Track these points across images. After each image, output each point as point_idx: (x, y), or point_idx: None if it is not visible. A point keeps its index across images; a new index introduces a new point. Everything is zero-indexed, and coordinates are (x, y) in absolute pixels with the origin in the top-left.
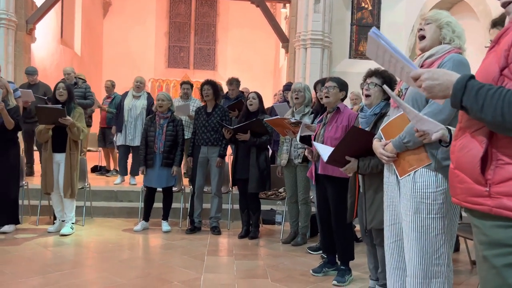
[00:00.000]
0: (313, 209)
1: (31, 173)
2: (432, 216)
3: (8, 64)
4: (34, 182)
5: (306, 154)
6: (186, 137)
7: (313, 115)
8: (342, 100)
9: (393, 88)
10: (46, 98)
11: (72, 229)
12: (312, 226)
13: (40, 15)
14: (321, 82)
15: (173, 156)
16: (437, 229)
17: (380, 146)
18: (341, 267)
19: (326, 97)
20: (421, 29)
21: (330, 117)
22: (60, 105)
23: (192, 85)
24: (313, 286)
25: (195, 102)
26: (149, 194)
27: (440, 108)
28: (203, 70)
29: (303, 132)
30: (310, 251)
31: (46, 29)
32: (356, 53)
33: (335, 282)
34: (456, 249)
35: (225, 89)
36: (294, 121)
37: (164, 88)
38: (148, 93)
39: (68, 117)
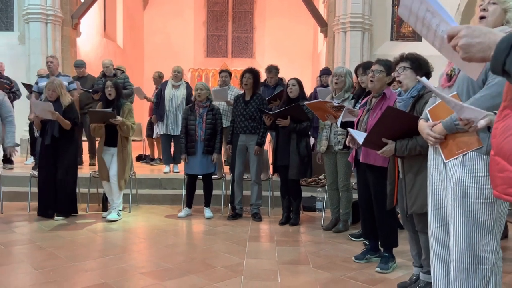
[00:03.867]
0: (355, 196)
1: (80, 162)
2: (481, 201)
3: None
4: (83, 171)
5: (347, 143)
6: (224, 126)
7: (353, 100)
8: (389, 85)
9: (429, 69)
10: (91, 91)
11: (119, 215)
12: (353, 213)
13: (84, 9)
14: (362, 66)
15: (213, 144)
16: (486, 214)
17: (427, 127)
18: (384, 254)
19: (371, 81)
20: (484, 9)
21: (375, 103)
22: (111, 108)
23: (230, 73)
24: (356, 273)
25: (233, 90)
26: (191, 181)
27: (499, 91)
28: (241, 58)
29: (345, 118)
30: (352, 238)
31: (90, 23)
32: (398, 35)
33: (378, 269)
34: (505, 236)
35: (264, 76)
36: (337, 104)
37: (204, 78)
38: (187, 83)
39: (118, 118)
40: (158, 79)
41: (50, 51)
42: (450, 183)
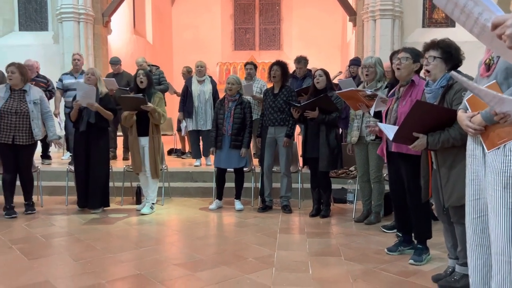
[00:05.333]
0: (387, 187)
1: (114, 157)
2: None
3: (88, 56)
4: (118, 165)
5: (368, 130)
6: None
7: (387, 89)
8: (417, 72)
9: (460, 58)
10: (128, 89)
11: (152, 208)
12: (386, 205)
13: (114, 7)
14: (397, 53)
15: (241, 138)
16: None
17: (466, 118)
18: (418, 246)
19: (398, 68)
20: None
21: (403, 91)
22: (141, 94)
23: (255, 66)
24: (388, 265)
25: (259, 82)
26: (220, 174)
27: None
28: (269, 51)
29: (378, 107)
30: (384, 230)
31: (120, 20)
32: (430, 21)
33: (411, 261)
34: None
35: (292, 68)
36: (370, 93)
37: (232, 71)
38: (210, 77)
39: (149, 104)
40: (187, 74)
41: (82, 50)
42: (490, 173)
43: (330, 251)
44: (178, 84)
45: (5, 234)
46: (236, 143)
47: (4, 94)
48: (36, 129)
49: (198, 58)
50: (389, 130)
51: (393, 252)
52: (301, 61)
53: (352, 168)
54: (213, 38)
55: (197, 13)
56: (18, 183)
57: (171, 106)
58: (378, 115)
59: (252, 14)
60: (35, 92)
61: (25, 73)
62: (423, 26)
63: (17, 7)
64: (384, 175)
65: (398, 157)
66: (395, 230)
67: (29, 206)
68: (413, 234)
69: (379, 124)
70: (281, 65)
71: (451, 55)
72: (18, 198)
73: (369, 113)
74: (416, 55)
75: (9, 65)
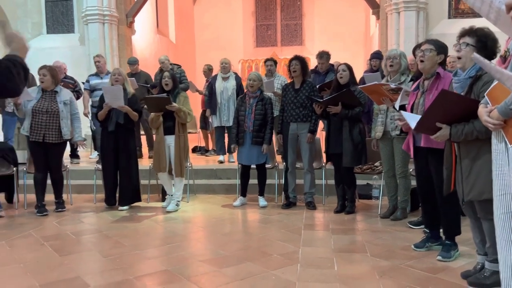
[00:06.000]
0: (413, 183)
1: (140, 155)
2: None
3: (113, 56)
4: (144, 163)
5: (399, 124)
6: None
7: (411, 82)
8: (441, 64)
9: (495, 50)
10: (149, 86)
11: (178, 205)
12: (412, 200)
13: (137, 8)
14: (420, 46)
15: (262, 135)
16: None
17: (486, 112)
18: (446, 242)
19: (421, 61)
20: None
21: (429, 84)
22: (165, 94)
23: (275, 62)
24: (416, 261)
25: (280, 78)
26: (244, 171)
27: None
28: (291, 46)
29: (403, 101)
30: (411, 226)
31: (144, 21)
32: (457, 12)
33: (439, 257)
34: None
35: (314, 63)
36: (394, 87)
37: (254, 68)
38: (236, 73)
39: (174, 104)
40: (208, 72)
41: (107, 50)
42: None
43: (355, 248)
44: (201, 82)
45: (37, 231)
46: (257, 139)
47: (36, 94)
48: (65, 128)
49: (220, 56)
50: (412, 119)
51: (420, 248)
52: (323, 56)
53: (377, 164)
54: (235, 36)
55: (218, 11)
56: (48, 182)
57: (194, 104)
58: (402, 109)
59: (274, 10)
60: (65, 93)
61: (55, 75)
62: (449, 17)
63: (45, 10)
64: (410, 170)
65: (427, 151)
66: (422, 226)
67: (59, 204)
68: (441, 230)
69: (402, 112)
70: (300, 60)
71: (485, 45)
72: (48, 197)
73: (393, 107)
74: (440, 47)
75: (41, 68)
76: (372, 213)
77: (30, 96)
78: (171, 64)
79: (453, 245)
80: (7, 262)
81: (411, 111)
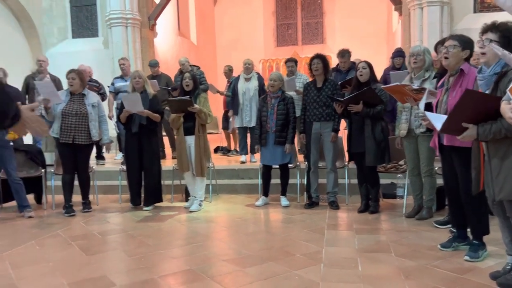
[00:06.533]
0: (439, 181)
1: (163, 156)
2: None
3: (136, 59)
4: (167, 164)
5: (425, 123)
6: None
7: (435, 79)
8: (466, 60)
9: None
10: (169, 88)
11: (200, 205)
12: (438, 199)
13: (159, 10)
14: (441, 43)
15: (285, 134)
16: None
17: (509, 109)
18: (474, 241)
19: (446, 58)
20: None
21: (453, 81)
22: (188, 96)
23: (296, 62)
24: (442, 262)
25: (302, 77)
26: (266, 171)
27: None
28: (312, 45)
29: (428, 99)
30: (437, 225)
31: (165, 23)
32: (482, 5)
33: (467, 257)
34: None
35: (335, 61)
36: (417, 87)
37: (275, 68)
38: (258, 73)
39: (195, 105)
40: (229, 72)
41: (130, 53)
42: None
43: (380, 248)
44: (222, 83)
45: (65, 231)
46: (280, 139)
47: (64, 97)
48: (93, 130)
49: (241, 56)
50: (437, 120)
51: (447, 248)
52: (345, 54)
53: (401, 162)
54: (256, 36)
55: (239, 12)
56: (75, 183)
57: (216, 105)
58: (428, 108)
59: (294, 9)
60: (92, 96)
61: (83, 79)
62: (475, 11)
63: (70, 15)
64: (436, 168)
65: (451, 150)
66: (449, 226)
67: (86, 204)
68: (468, 229)
69: (427, 113)
70: (321, 58)
71: (509, 40)
72: (75, 197)
73: (417, 106)
74: (464, 42)
75: (69, 72)
76: (396, 213)
77: (60, 99)
78: (190, 65)
79: (481, 245)
80: (37, 261)
81: (436, 109)
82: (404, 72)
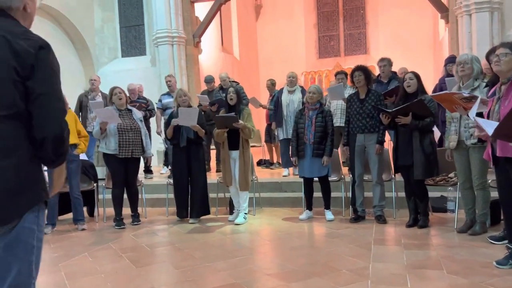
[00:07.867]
0: (493, 194)
1: (208, 169)
2: None
3: (182, 76)
4: (212, 177)
5: (475, 134)
6: (340, 125)
7: (486, 88)
8: None
9: None
10: (208, 103)
11: (245, 218)
12: (492, 213)
13: (203, 28)
14: (493, 51)
15: (323, 147)
16: None
17: None
18: None
19: (497, 65)
20: None
21: (505, 90)
22: (233, 113)
23: (346, 74)
24: (498, 280)
25: (350, 90)
26: (308, 184)
27: None
28: (355, 56)
29: (480, 109)
30: (492, 241)
31: (209, 40)
32: None
33: None
34: None
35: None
36: (468, 95)
37: (317, 80)
38: (302, 87)
39: (240, 122)
40: (271, 86)
41: (176, 70)
42: None
43: (430, 264)
44: (265, 97)
45: (115, 243)
46: (318, 151)
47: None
48: (148, 144)
49: (283, 69)
50: (489, 126)
51: (503, 266)
52: (384, 59)
53: (451, 175)
54: (297, 48)
55: (280, 26)
56: (124, 196)
57: (259, 118)
58: (479, 116)
59: (336, 21)
60: (136, 112)
61: (126, 95)
62: None
63: (119, 35)
64: (489, 181)
65: (505, 161)
66: (505, 241)
67: (135, 217)
68: None
69: (477, 118)
70: (363, 70)
71: None
72: (124, 210)
73: (467, 115)
74: None
75: (114, 87)
76: (447, 227)
77: (118, 120)
78: (230, 81)
79: None
80: (90, 272)
81: (487, 119)
82: (453, 79)
